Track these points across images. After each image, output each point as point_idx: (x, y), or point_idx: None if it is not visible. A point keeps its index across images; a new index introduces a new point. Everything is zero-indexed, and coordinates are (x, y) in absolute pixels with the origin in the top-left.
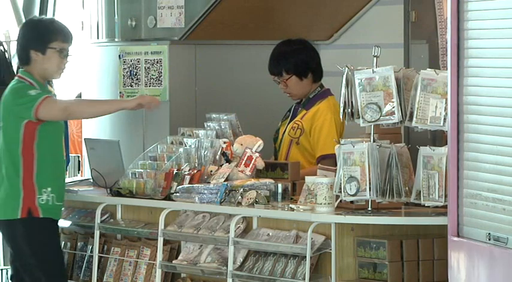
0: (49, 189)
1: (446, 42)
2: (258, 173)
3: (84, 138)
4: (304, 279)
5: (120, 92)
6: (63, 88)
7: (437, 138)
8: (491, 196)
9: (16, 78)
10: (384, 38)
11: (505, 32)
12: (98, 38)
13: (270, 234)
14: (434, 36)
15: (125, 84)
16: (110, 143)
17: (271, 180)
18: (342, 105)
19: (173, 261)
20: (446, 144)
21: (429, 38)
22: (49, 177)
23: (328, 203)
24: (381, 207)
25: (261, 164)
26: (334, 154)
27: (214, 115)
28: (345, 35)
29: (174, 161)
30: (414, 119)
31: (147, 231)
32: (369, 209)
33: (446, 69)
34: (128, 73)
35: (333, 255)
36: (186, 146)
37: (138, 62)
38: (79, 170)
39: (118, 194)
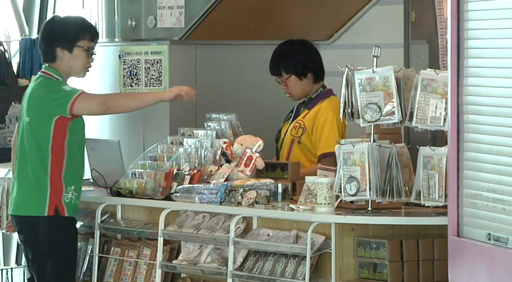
0: (73, 187)
1: (446, 42)
2: (258, 173)
3: None
4: (304, 279)
5: (120, 92)
6: None
7: (437, 138)
8: (492, 196)
9: (41, 74)
10: (384, 38)
11: (505, 32)
12: None
13: (270, 234)
14: (434, 36)
15: (125, 84)
16: (110, 143)
17: (271, 180)
18: (342, 105)
19: (173, 261)
20: (446, 144)
21: (429, 38)
22: (75, 175)
23: (328, 203)
24: (381, 207)
25: (261, 164)
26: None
27: (214, 115)
28: (345, 35)
29: (174, 161)
30: (414, 119)
31: (147, 231)
32: (369, 209)
33: (446, 69)
34: (128, 73)
35: (333, 255)
36: (186, 146)
37: (138, 62)
38: None
39: (118, 194)
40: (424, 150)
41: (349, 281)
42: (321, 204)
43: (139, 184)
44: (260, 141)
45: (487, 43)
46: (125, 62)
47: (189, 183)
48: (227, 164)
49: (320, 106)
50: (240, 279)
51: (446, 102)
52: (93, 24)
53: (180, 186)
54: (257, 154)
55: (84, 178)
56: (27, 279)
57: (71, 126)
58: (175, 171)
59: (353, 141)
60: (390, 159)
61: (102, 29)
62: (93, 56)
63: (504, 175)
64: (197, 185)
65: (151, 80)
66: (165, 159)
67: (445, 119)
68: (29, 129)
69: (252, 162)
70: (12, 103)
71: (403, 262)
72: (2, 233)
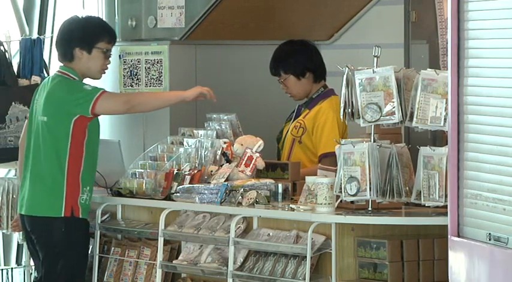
0: (88, 188)
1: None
2: (258, 173)
3: None
4: (304, 279)
5: (120, 92)
6: None
7: (437, 138)
8: (492, 196)
9: (58, 73)
10: (384, 38)
11: (505, 32)
12: None
13: (270, 234)
14: (434, 36)
15: (125, 84)
16: (110, 143)
17: (272, 181)
18: (342, 105)
19: (173, 261)
20: (447, 144)
21: (429, 38)
22: (90, 175)
23: (329, 203)
24: (381, 207)
25: (261, 164)
26: None
27: (214, 115)
28: (345, 35)
29: (174, 161)
30: (414, 119)
31: (147, 231)
32: (369, 209)
33: (447, 69)
34: (128, 73)
35: (333, 255)
36: (186, 146)
37: (139, 62)
38: None
39: (118, 194)
40: (425, 150)
41: (350, 281)
42: (321, 204)
43: (140, 184)
44: (260, 141)
45: (487, 43)
46: (125, 62)
47: (190, 183)
48: (227, 164)
49: (320, 106)
50: (241, 279)
51: (446, 102)
52: (111, 27)
53: (181, 186)
54: (257, 154)
55: None
56: (35, 278)
57: (90, 126)
58: (175, 171)
59: (353, 141)
60: (390, 159)
61: None
62: (110, 58)
63: (504, 175)
64: (197, 185)
65: (152, 80)
66: (166, 159)
67: (445, 119)
68: (45, 128)
69: (253, 162)
70: (13, 103)
71: (403, 262)
72: (2, 233)
